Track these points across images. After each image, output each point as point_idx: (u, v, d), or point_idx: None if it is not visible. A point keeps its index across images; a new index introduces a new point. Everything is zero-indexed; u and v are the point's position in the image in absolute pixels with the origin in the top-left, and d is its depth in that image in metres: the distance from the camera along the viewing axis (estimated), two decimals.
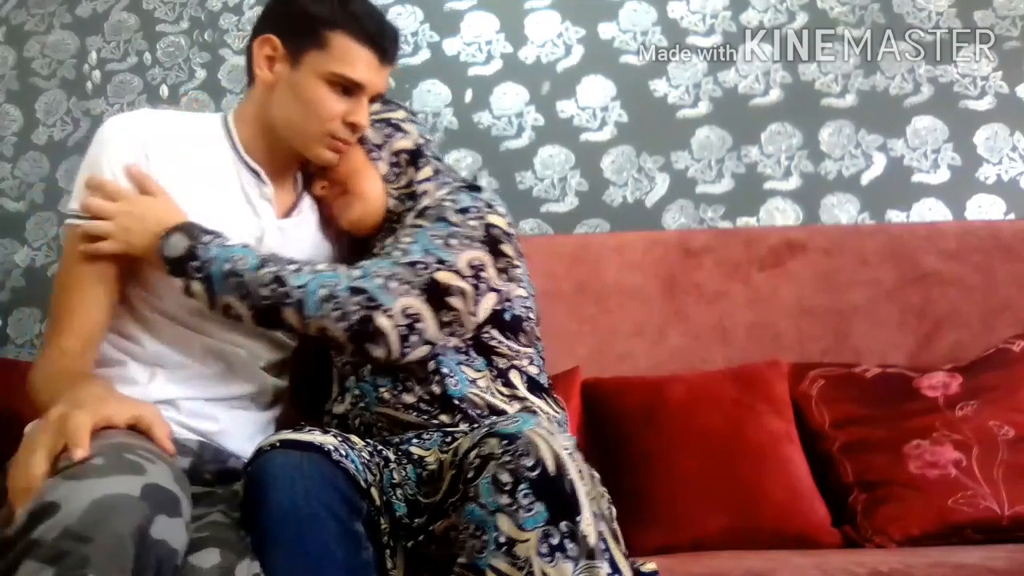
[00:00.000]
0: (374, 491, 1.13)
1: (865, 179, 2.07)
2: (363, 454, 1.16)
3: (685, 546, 1.53)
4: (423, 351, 1.29)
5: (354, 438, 1.20)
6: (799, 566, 1.35)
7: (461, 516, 1.05)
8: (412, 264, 1.28)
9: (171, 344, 1.31)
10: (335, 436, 1.14)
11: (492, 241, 1.35)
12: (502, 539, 1.00)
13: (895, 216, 2.05)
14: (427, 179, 1.45)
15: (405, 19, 2.11)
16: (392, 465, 1.22)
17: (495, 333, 1.36)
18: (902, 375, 1.71)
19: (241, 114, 1.38)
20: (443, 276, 1.29)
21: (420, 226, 1.34)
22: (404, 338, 1.26)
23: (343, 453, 1.11)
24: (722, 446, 1.62)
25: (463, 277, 1.31)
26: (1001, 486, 1.53)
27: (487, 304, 1.35)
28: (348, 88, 1.32)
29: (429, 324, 1.28)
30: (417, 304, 1.27)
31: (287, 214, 1.40)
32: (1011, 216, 2.04)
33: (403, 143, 1.45)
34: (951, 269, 1.88)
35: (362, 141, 1.42)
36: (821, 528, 1.56)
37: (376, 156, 1.43)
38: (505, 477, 1.01)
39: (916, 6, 2.08)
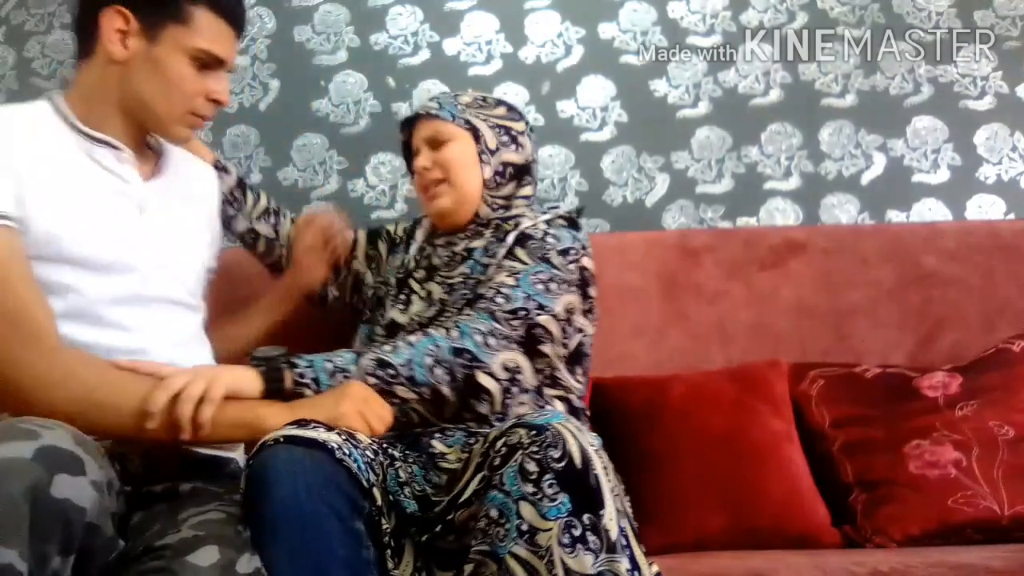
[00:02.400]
0: (376, 491, 1.13)
1: (865, 179, 2.07)
2: (367, 453, 1.16)
3: (686, 546, 1.53)
4: (524, 399, 1.34)
5: (360, 435, 1.21)
6: (799, 566, 1.36)
7: (483, 503, 1.06)
8: (513, 312, 1.32)
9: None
10: (339, 434, 1.15)
11: (583, 284, 1.41)
12: (524, 527, 1.01)
13: (895, 216, 2.06)
14: (524, 197, 1.50)
15: (405, 19, 2.11)
16: (398, 463, 1.23)
17: (561, 365, 1.41)
18: (902, 375, 1.72)
19: (78, 92, 1.30)
20: (542, 320, 1.34)
21: (523, 263, 1.37)
22: (506, 391, 1.30)
23: (346, 452, 1.11)
24: (722, 446, 1.62)
25: (558, 321, 1.36)
26: (1001, 486, 1.53)
27: (572, 345, 1.41)
28: (208, 64, 1.29)
29: (527, 374, 1.33)
30: (516, 357, 1.32)
31: (154, 175, 1.36)
32: (1011, 216, 2.04)
33: (514, 156, 1.48)
34: (951, 269, 1.89)
35: (477, 139, 1.46)
36: (821, 528, 1.56)
37: (486, 160, 1.46)
38: (531, 466, 1.03)
39: (916, 6, 2.08)
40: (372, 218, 2.07)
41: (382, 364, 1.25)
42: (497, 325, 1.30)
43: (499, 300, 1.33)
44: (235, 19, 1.31)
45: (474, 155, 1.46)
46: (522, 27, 2.11)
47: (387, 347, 1.27)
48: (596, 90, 2.10)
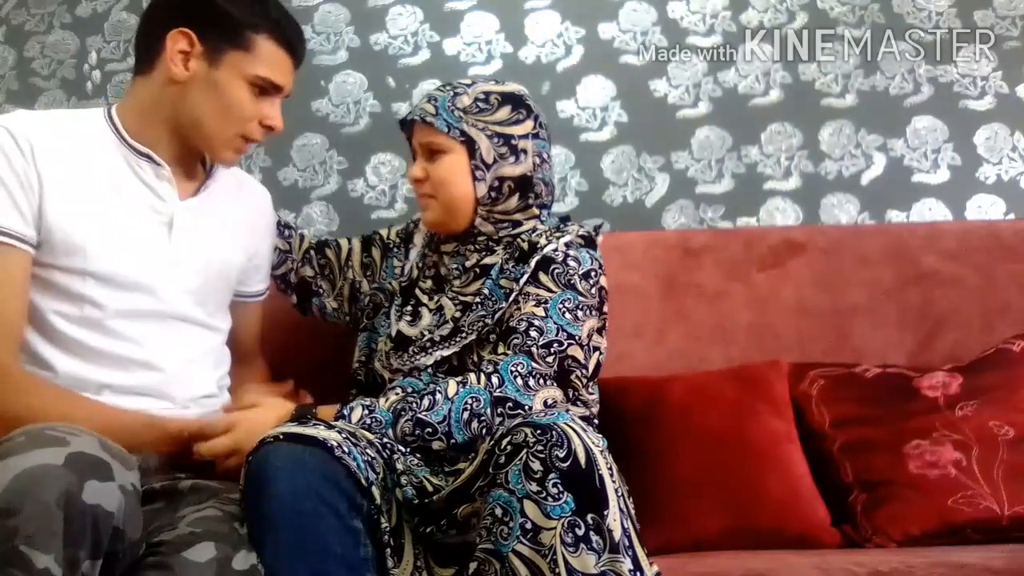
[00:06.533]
0: (375, 489, 1.14)
1: (865, 179, 2.07)
2: (367, 452, 1.17)
3: (685, 546, 1.53)
4: None
5: (361, 433, 1.21)
6: (799, 566, 1.35)
7: (487, 501, 1.06)
8: (547, 345, 1.34)
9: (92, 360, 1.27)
10: (339, 432, 1.15)
11: (601, 304, 1.43)
12: (528, 525, 1.02)
13: (895, 216, 2.05)
14: (532, 217, 1.48)
15: (405, 19, 2.11)
16: (397, 455, 1.23)
17: (582, 386, 1.42)
18: (902, 375, 1.71)
19: (131, 105, 1.34)
20: (572, 351, 1.36)
21: (549, 290, 1.38)
22: None
23: (345, 450, 1.12)
24: (722, 446, 1.62)
25: (582, 347, 1.38)
26: (1001, 486, 1.53)
27: (592, 366, 1.43)
28: (266, 90, 1.32)
29: (561, 406, 1.34)
30: (552, 392, 1.33)
31: (195, 194, 1.38)
32: (1011, 216, 2.04)
33: (513, 170, 1.44)
34: (951, 269, 1.88)
35: (472, 153, 1.42)
36: (821, 528, 1.56)
37: (480, 176, 1.43)
38: (536, 465, 1.03)
39: (916, 6, 2.08)
40: (372, 218, 2.07)
41: (420, 424, 1.27)
42: (535, 364, 1.32)
43: (532, 334, 1.34)
44: (295, 49, 1.35)
45: (467, 170, 1.42)
46: (522, 27, 2.11)
47: (425, 401, 1.28)
48: (596, 90, 2.09)
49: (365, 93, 2.10)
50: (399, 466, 1.21)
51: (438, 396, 1.28)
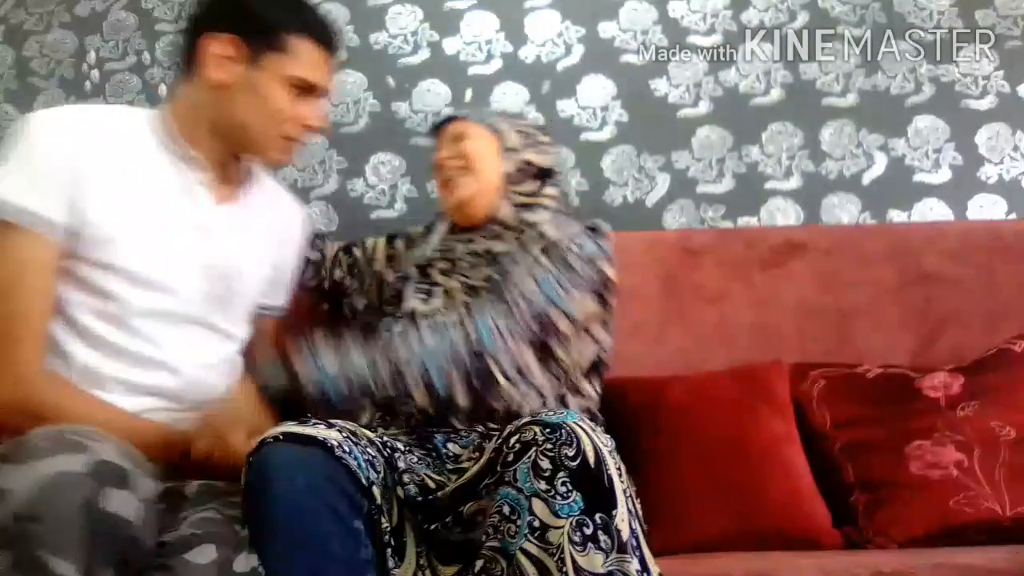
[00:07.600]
0: (376, 489, 1.13)
1: (866, 179, 2.06)
2: (368, 451, 1.16)
3: (686, 547, 1.52)
4: (536, 400, 1.36)
5: (361, 431, 1.21)
6: (800, 567, 1.35)
7: (495, 499, 1.06)
8: (533, 314, 1.35)
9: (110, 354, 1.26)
10: (339, 431, 1.14)
11: (603, 289, 1.44)
12: (536, 523, 1.02)
13: (896, 216, 2.05)
14: (550, 198, 1.52)
15: (405, 19, 2.11)
16: (398, 454, 1.23)
17: (579, 375, 1.44)
18: (903, 375, 1.71)
19: (176, 109, 1.35)
20: (560, 323, 1.37)
21: (546, 268, 1.40)
22: (517, 387, 1.33)
23: (346, 449, 1.11)
24: (723, 447, 1.62)
25: (574, 325, 1.38)
26: (1003, 487, 1.52)
27: (588, 354, 1.43)
28: (305, 90, 1.33)
29: (536, 374, 1.36)
30: (528, 357, 1.35)
31: (230, 201, 1.38)
32: (1012, 216, 2.04)
33: (537, 158, 1.54)
34: (952, 269, 1.88)
35: (500, 138, 1.52)
36: (822, 529, 1.56)
37: (508, 156, 1.51)
38: (545, 463, 1.03)
39: (917, 5, 2.08)
40: (372, 218, 2.07)
41: (398, 374, 1.28)
42: (515, 325, 1.33)
43: (521, 304, 1.36)
44: (333, 48, 1.36)
45: (495, 151, 1.51)
46: (522, 26, 2.10)
47: (403, 352, 1.29)
48: (596, 89, 2.09)
49: (365, 92, 2.10)
50: (400, 464, 1.20)
51: (415, 346, 1.30)
